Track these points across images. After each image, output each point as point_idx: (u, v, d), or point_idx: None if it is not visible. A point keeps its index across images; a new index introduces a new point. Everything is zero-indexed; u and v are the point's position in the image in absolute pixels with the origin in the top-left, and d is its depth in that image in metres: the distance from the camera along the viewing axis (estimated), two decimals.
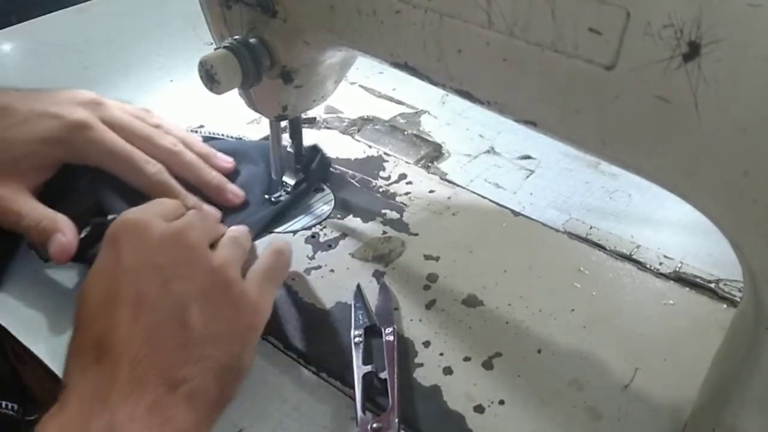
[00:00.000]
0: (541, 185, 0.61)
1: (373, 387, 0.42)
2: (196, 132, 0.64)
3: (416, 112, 0.71)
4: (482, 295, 0.49)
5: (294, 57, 0.46)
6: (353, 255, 0.53)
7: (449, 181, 0.61)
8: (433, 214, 0.57)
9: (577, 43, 0.30)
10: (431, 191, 0.60)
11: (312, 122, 0.69)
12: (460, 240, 0.54)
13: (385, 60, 0.41)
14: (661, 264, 0.52)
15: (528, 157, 0.65)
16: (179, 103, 0.68)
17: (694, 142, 0.29)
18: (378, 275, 0.51)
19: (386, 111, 0.71)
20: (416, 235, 0.55)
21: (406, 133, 0.68)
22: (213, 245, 0.42)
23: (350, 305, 0.47)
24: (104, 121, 0.52)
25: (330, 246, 0.54)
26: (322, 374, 0.44)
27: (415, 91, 0.74)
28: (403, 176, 0.62)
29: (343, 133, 0.68)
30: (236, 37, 0.45)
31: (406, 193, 0.59)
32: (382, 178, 0.61)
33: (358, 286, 0.49)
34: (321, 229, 0.55)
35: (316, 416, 0.41)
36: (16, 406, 0.44)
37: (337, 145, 0.66)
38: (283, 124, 0.55)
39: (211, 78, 0.44)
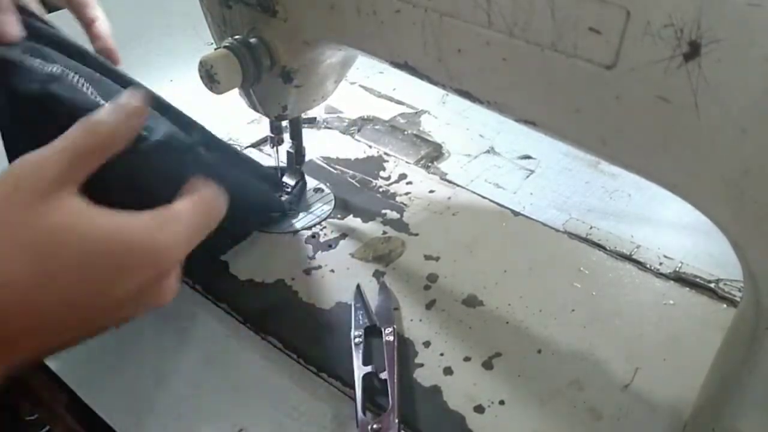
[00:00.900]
0: (541, 185, 0.61)
1: (373, 387, 0.42)
2: None
3: (416, 112, 0.71)
4: (482, 295, 0.49)
5: (294, 57, 0.46)
6: (353, 255, 0.53)
7: (449, 181, 0.61)
8: (433, 214, 0.57)
9: (577, 43, 0.30)
10: (431, 191, 0.60)
11: (312, 122, 0.69)
12: (460, 240, 0.54)
13: (385, 60, 0.41)
14: (661, 264, 0.52)
15: (528, 157, 0.65)
16: (179, 103, 0.68)
17: (694, 141, 0.29)
18: (378, 275, 0.51)
19: (386, 111, 0.71)
20: (416, 235, 0.55)
21: (406, 133, 0.68)
22: None
23: (350, 305, 0.47)
24: None
25: (330, 246, 0.53)
26: (322, 374, 0.44)
27: (416, 91, 0.74)
28: (403, 176, 0.62)
29: (343, 133, 0.68)
30: (236, 36, 0.45)
31: (406, 193, 0.59)
32: (382, 178, 0.61)
33: (358, 286, 0.49)
34: (321, 229, 0.55)
35: (316, 416, 0.41)
36: None
37: (337, 145, 0.66)
38: (284, 123, 0.55)
39: (211, 78, 0.44)
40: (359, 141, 0.67)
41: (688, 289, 0.50)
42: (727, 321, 0.37)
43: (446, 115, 0.71)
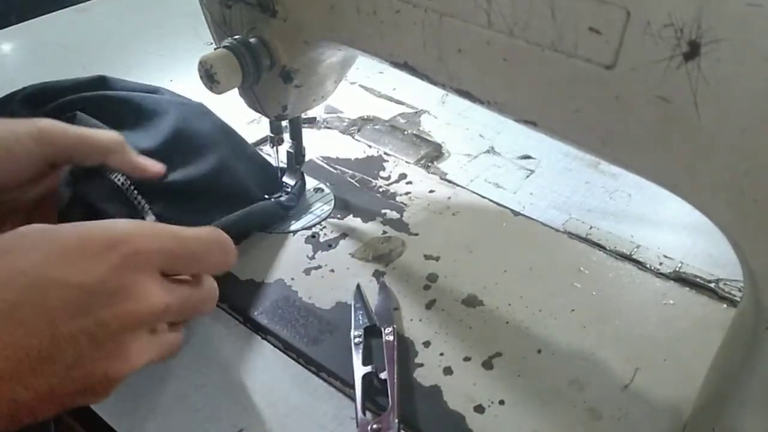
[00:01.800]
0: (541, 185, 0.61)
1: (373, 387, 0.42)
2: None
3: (416, 112, 0.71)
4: (482, 295, 0.49)
5: (294, 57, 0.46)
6: (353, 255, 0.53)
7: (449, 181, 0.61)
8: (433, 214, 0.57)
9: (577, 43, 0.30)
10: (431, 191, 0.60)
11: (312, 122, 0.69)
12: (460, 240, 0.54)
13: (384, 60, 0.41)
14: (661, 264, 0.52)
15: (528, 157, 0.65)
16: None
17: (694, 141, 0.29)
18: (378, 275, 0.51)
19: (386, 111, 0.71)
20: (416, 235, 0.55)
21: (406, 132, 0.68)
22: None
23: (350, 305, 0.47)
24: None
25: (330, 246, 0.53)
26: (322, 374, 0.44)
27: (415, 91, 0.74)
28: (403, 176, 0.62)
29: (343, 133, 0.68)
30: (236, 36, 0.45)
31: (406, 193, 0.59)
32: (382, 178, 0.61)
33: (358, 286, 0.49)
34: (321, 229, 0.55)
35: (316, 416, 0.41)
36: None
37: (337, 145, 0.66)
38: (284, 123, 0.55)
39: (211, 78, 0.44)
40: (359, 141, 0.67)
41: (688, 289, 0.50)
42: (727, 321, 0.36)
43: (446, 115, 0.71)
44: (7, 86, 0.56)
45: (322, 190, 0.59)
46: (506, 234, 0.55)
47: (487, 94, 0.37)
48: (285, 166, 0.57)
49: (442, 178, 0.61)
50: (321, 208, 0.57)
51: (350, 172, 0.62)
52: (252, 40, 0.45)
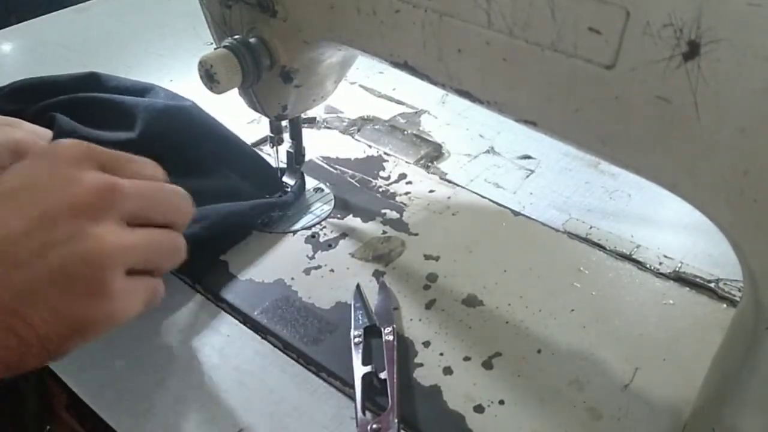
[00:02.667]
0: (541, 185, 0.61)
1: (373, 387, 0.42)
2: None
3: (416, 112, 0.71)
4: (482, 295, 0.49)
5: (294, 56, 0.46)
6: (353, 255, 0.53)
7: (449, 181, 0.61)
8: (433, 214, 0.57)
9: (576, 43, 0.30)
10: (431, 191, 0.60)
11: (312, 122, 0.69)
12: (460, 240, 0.54)
13: (384, 59, 0.41)
14: (661, 264, 0.52)
15: (528, 157, 0.65)
16: None
17: (694, 141, 0.29)
18: (378, 275, 0.51)
19: (386, 111, 0.71)
20: (416, 234, 0.55)
21: (406, 133, 0.68)
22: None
23: (350, 305, 0.47)
24: None
25: (330, 246, 0.53)
26: (322, 374, 0.44)
27: (415, 91, 0.74)
28: (403, 176, 0.62)
29: (343, 133, 0.68)
30: (236, 36, 0.45)
31: (406, 193, 0.59)
32: (382, 177, 0.61)
33: (358, 286, 0.49)
34: (321, 229, 0.55)
35: (316, 416, 0.41)
36: None
37: (337, 145, 0.66)
38: (283, 123, 0.55)
39: (211, 78, 0.44)
40: (359, 141, 0.67)
41: (688, 288, 0.50)
42: (727, 321, 0.36)
43: (446, 115, 0.71)
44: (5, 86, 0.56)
45: (322, 190, 0.59)
46: (506, 234, 0.55)
47: (487, 94, 0.37)
48: (285, 166, 0.57)
49: (442, 178, 0.61)
50: (321, 208, 0.57)
51: (350, 172, 0.62)
52: (252, 40, 0.45)
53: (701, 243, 0.54)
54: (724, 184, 0.29)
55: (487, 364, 0.44)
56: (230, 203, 0.52)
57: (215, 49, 0.45)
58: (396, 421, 0.39)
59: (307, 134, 0.64)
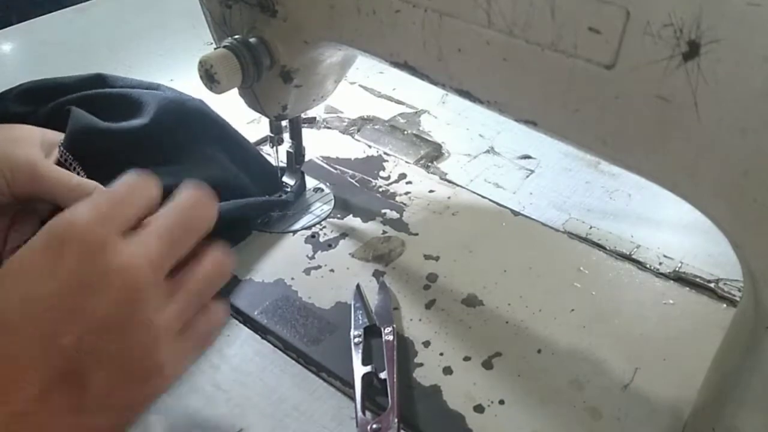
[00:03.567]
0: (541, 185, 0.61)
1: (373, 387, 0.42)
2: None
3: (416, 112, 0.71)
4: (482, 295, 0.49)
5: (294, 56, 0.46)
6: (353, 255, 0.53)
7: (449, 181, 0.61)
8: (432, 214, 0.57)
9: (576, 43, 0.30)
10: (431, 191, 0.60)
11: (312, 122, 0.69)
12: (460, 240, 0.54)
13: (384, 59, 0.41)
14: (660, 264, 0.52)
15: (528, 157, 0.65)
16: None
17: (693, 141, 0.29)
18: (378, 275, 0.51)
19: (386, 111, 0.71)
20: (416, 234, 0.55)
21: (406, 132, 0.68)
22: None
23: (350, 305, 0.47)
24: None
25: (330, 246, 0.53)
26: (322, 374, 0.44)
27: (415, 91, 0.74)
28: (403, 176, 0.62)
29: (343, 133, 0.68)
30: (236, 36, 0.45)
31: (406, 193, 0.59)
32: (382, 177, 0.61)
33: (358, 286, 0.49)
34: (321, 229, 0.55)
35: (316, 416, 0.41)
36: None
37: (337, 145, 0.66)
38: (283, 123, 0.55)
39: (211, 77, 0.44)
40: (359, 141, 0.67)
41: (688, 288, 0.50)
42: (727, 321, 0.36)
43: (446, 114, 0.71)
44: (7, 86, 0.56)
45: (322, 190, 0.59)
46: (506, 234, 0.55)
47: (487, 94, 0.37)
48: (285, 166, 0.57)
49: (441, 178, 0.61)
50: (321, 208, 0.57)
51: (350, 172, 0.62)
52: (252, 39, 0.45)
53: (701, 243, 0.54)
54: (724, 184, 0.29)
55: (487, 364, 0.44)
56: (231, 201, 0.52)
57: (215, 49, 0.45)
58: (396, 421, 0.39)
59: (307, 134, 0.64)
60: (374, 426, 0.39)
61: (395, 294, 0.49)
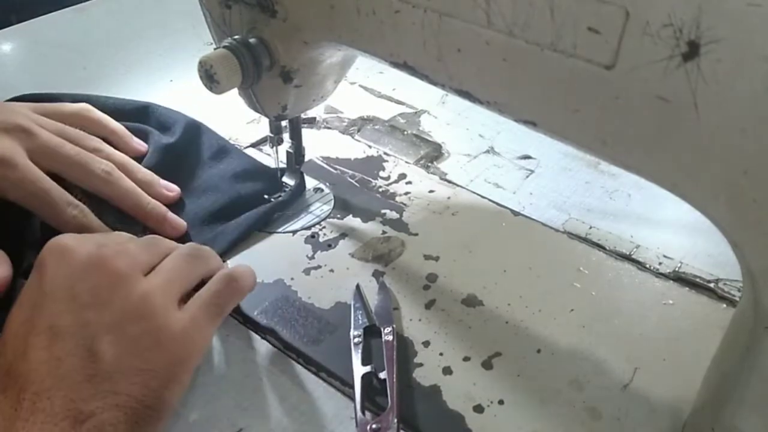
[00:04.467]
0: (540, 185, 0.61)
1: (373, 387, 0.42)
2: None
3: (416, 112, 0.71)
4: (482, 295, 0.49)
5: (294, 57, 0.46)
6: (353, 255, 0.53)
7: (449, 181, 0.61)
8: (432, 214, 0.57)
9: (576, 43, 0.30)
10: (431, 191, 0.60)
11: (312, 122, 0.69)
12: (459, 240, 0.54)
13: (384, 60, 0.41)
14: (660, 264, 0.52)
15: (528, 157, 0.65)
16: (179, 103, 0.68)
17: (693, 141, 0.29)
18: (377, 275, 0.51)
19: (386, 111, 0.71)
20: (416, 235, 0.55)
21: (405, 133, 0.68)
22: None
23: (350, 305, 0.47)
24: (30, 150, 0.47)
25: (330, 246, 0.54)
26: (322, 374, 0.44)
27: (415, 91, 0.74)
28: (402, 176, 0.62)
29: (343, 133, 0.68)
30: (236, 36, 0.45)
31: (406, 193, 0.59)
32: (381, 178, 0.61)
33: (358, 286, 0.49)
34: (321, 229, 0.55)
35: (316, 416, 0.41)
36: None
37: (337, 145, 0.66)
38: (283, 123, 0.55)
39: (210, 78, 0.44)
40: (359, 141, 0.67)
41: (687, 288, 0.50)
42: (727, 321, 0.37)
43: (446, 115, 0.71)
44: (7, 86, 0.56)
45: (322, 190, 0.59)
46: (506, 234, 0.55)
47: (486, 94, 0.37)
48: (285, 166, 0.57)
49: (441, 178, 0.61)
50: (321, 208, 0.57)
51: (350, 172, 0.62)
52: (252, 40, 0.45)
53: (701, 243, 0.54)
54: (724, 184, 0.29)
55: (487, 364, 0.44)
56: (234, 221, 0.54)
57: (215, 49, 0.45)
58: (396, 421, 0.39)
59: (307, 134, 0.64)
60: (374, 426, 0.39)
61: (395, 294, 0.49)
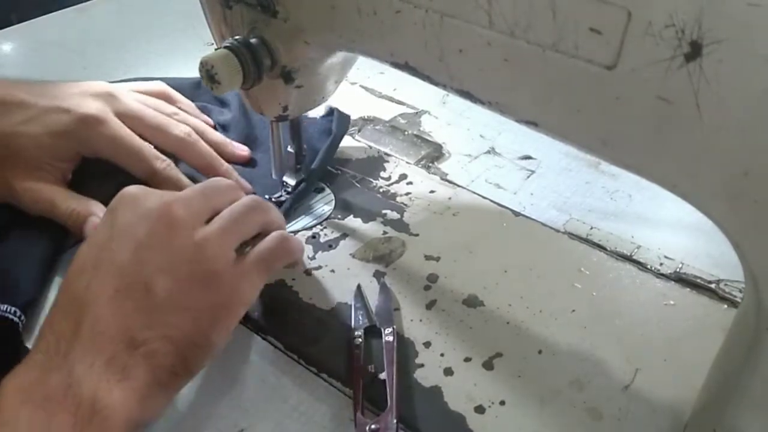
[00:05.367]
0: (541, 185, 0.61)
1: (373, 387, 0.42)
2: None
3: (417, 113, 0.71)
4: (483, 296, 0.49)
5: (295, 57, 0.46)
6: (354, 255, 0.53)
7: (450, 182, 0.61)
8: (433, 215, 0.57)
9: (577, 44, 0.30)
10: (432, 191, 0.60)
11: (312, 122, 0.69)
12: (460, 240, 0.54)
13: (385, 60, 0.41)
14: (661, 264, 0.52)
15: (528, 158, 0.65)
16: None
17: (694, 142, 0.29)
18: (378, 275, 0.51)
19: (387, 111, 0.71)
20: (417, 235, 0.55)
21: (406, 133, 0.68)
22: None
23: (350, 305, 0.47)
24: (117, 112, 0.52)
25: (330, 246, 0.53)
26: (322, 374, 0.44)
27: (416, 92, 0.74)
28: (403, 176, 0.62)
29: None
30: (237, 37, 0.45)
31: (407, 194, 0.59)
32: (382, 178, 0.61)
33: (359, 287, 0.48)
34: (321, 230, 0.55)
35: (316, 416, 0.41)
36: (18, 311, 0.44)
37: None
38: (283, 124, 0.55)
39: (211, 78, 0.44)
40: (360, 141, 0.67)
41: (688, 289, 0.50)
42: (728, 321, 0.37)
43: (447, 115, 0.71)
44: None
45: (323, 190, 0.59)
46: (507, 234, 0.55)
47: (487, 95, 0.37)
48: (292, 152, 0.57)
49: (442, 179, 0.61)
50: (321, 208, 0.57)
51: (351, 172, 0.62)
52: (253, 40, 0.45)
53: (702, 243, 0.54)
54: (725, 185, 0.29)
55: (488, 365, 0.44)
56: None
57: (216, 49, 0.45)
58: (395, 422, 0.39)
59: None
60: (373, 427, 0.39)
61: (396, 294, 0.49)
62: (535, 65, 0.33)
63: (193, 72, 0.45)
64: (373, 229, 0.55)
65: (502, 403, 0.42)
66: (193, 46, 0.80)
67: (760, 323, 0.31)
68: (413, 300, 0.49)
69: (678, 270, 0.51)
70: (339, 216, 0.57)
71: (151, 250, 0.38)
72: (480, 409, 0.41)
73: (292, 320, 0.47)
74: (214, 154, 0.56)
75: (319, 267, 0.51)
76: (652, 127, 0.30)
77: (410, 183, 0.61)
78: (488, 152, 0.65)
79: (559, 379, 0.43)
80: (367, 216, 0.57)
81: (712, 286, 0.50)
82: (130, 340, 0.36)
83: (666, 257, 0.52)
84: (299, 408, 0.42)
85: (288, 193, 0.57)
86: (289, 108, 0.51)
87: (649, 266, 0.52)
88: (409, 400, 0.42)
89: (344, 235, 0.55)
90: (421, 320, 0.47)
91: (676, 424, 0.41)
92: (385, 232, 0.55)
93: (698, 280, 0.50)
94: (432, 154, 0.65)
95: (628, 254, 0.53)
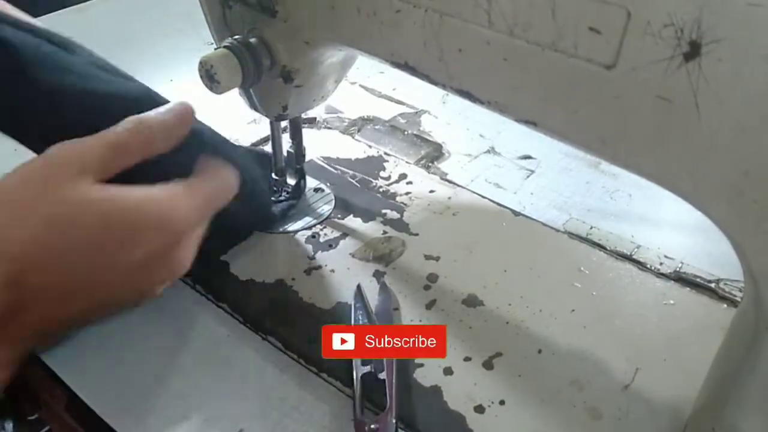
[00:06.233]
0: (541, 185, 0.61)
1: (373, 387, 0.42)
2: None
3: (416, 112, 0.71)
4: (482, 295, 0.49)
5: (294, 57, 0.46)
6: (354, 255, 0.53)
7: (449, 181, 0.61)
8: (433, 214, 0.57)
9: (577, 43, 0.30)
10: (431, 191, 0.60)
11: (312, 122, 0.69)
12: (460, 240, 0.54)
13: (385, 60, 0.41)
14: (661, 264, 0.52)
15: (528, 157, 0.65)
16: None
17: (694, 141, 0.29)
18: (378, 275, 0.51)
19: (386, 111, 0.71)
20: (416, 235, 0.55)
21: (406, 133, 0.68)
22: None
23: (350, 305, 0.47)
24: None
25: (330, 246, 0.53)
26: (322, 374, 0.44)
27: (416, 91, 0.74)
28: (403, 176, 0.62)
29: (344, 133, 0.68)
30: (236, 36, 0.45)
31: (407, 193, 0.59)
32: (382, 178, 0.61)
33: (359, 286, 0.48)
34: (321, 229, 0.55)
35: (316, 416, 0.41)
36: None
37: (337, 145, 0.66)
38: (283, 124, 0.55)
39: (211, 78, 0.44)
40: (359, 141, 0.67)
41: (688, 289, 0.50)
42: (728, 321, 0.37)
43: (446, 114, 0.71)
44: None
45: (323, 190, 0.59)
46: (506, 234, 0.55)
47: (487, 94, 0.37)
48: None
49: (442, 178, 0.61)
50: (321, 208, 0.57)
51: (350, 172, 0.62)
52: (252, 40, 0.45)
53: (701, 243, 0.54)
54: (725, 184, 0.29)
55: (488, 365, 0.44)
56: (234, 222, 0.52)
57: (215, 49, 0.45)
58: (394, 421, 0.39)
59: (308, 134, 0.64)
60: (372, 426, 0.39)
61: (396, 294, 0.49)
62: (534, 65, 0.33)
63: (193, 72, 0.45)
64: (372, 228, 0.55)
65: (502, 402, 0.42)
66: (192, 46, 0.80)
67: (759, 323, 0.31)
68: (413, 300, 0.49)
69: (678, 269, 0.51)
70: (339, 216, 0.57)
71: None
72: (480, 409, 0.41)
73: (292, 320, 0.47)
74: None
75: (319, 267, 0.51)
76: (652, 127, 0.30)
77: (410, 183, 0.61)
78: (488, 152, 0.66)
79: (559, 378, 0.43)
80: (367, 216, 0.57)
81: (712, 285, 0.50)
82: None
83: (666, 257, 0.52)
84: (299, 408, 0.42)
85: (288, 193, 0.57)
86: (288, 108, 0.51)
87: (648, 266, 0.52)
88: (409, 399, 0.42)
89: (344, 235, 0.55)
90: (421, 320, 0.47)
91: (676, 424, 0.41)
92: (384, 232, 0.55)
93: (698, 280, 0.50)
94: (432, 154, 0.65)
95: (628, 254, 0.53)
